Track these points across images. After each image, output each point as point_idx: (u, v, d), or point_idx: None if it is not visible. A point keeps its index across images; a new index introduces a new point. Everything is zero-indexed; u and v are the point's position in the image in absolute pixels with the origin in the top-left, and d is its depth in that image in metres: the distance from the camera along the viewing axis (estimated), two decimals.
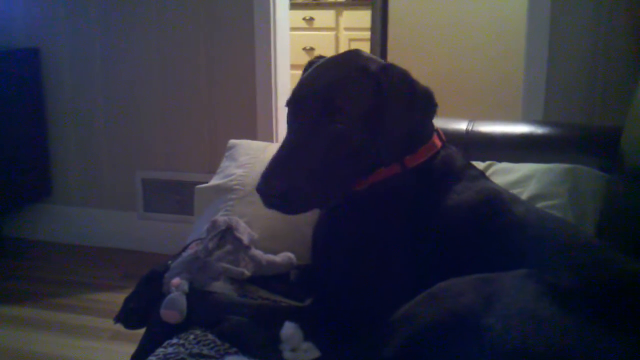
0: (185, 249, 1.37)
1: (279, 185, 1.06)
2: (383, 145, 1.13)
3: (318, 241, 1.28)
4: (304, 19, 5.18)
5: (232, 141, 1.71)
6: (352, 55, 1.22)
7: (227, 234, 1.27)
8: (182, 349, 1.07)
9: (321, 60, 1.23)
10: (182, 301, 1.15)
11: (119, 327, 1.26)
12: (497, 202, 1.16)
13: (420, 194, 1.17)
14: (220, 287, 1.22)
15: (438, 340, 0.87)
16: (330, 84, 1.13)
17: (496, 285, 0.90)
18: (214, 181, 1.61)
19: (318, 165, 1.09)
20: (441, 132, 1.26)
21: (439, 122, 1.84)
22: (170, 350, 1.07)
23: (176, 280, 1.18)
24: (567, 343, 0.82)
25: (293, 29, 3.44)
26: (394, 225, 1.16)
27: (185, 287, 1.17)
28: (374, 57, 1.23)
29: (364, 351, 0.95)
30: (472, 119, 1.75)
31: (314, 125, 1.11)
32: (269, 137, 2.78)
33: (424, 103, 1.19)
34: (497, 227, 1.11)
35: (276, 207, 1.09)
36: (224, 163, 1.67)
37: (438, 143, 1.24)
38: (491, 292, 0.89)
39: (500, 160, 1.59)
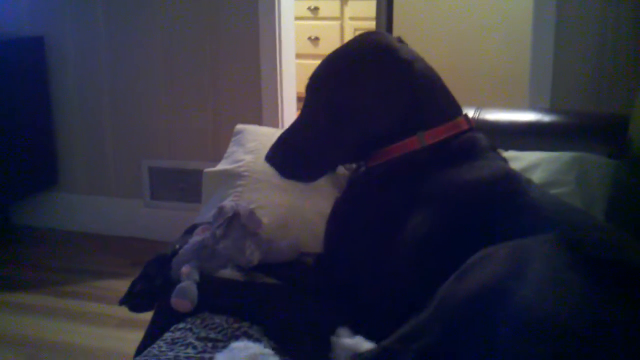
0: (189, 231, 1.36)
1: (278, 158, 1.28)
2: (371, 118, 1.21)
3: (335, 224, 1.29)
4: (308, 8, 5.16)
5: (240, 126, 1.71)
6: (352, 41, 1.33)
7: (233, 220, 1.26)
8: (189, 333, 1.08)
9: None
10: (194, 290, 1.15)
11: (126, 314, 1.26)
12: (515, 182, 1.18)
13: (439, 169, 1.19)
14: (228, 274, 1.22)
15: (475, 315, 0.87)
16: (315, 73, 1.29)
17: (527, 251, 0.90)
18: (222, 165, 1.60)
19: (311, 142, 1.26)
20: (469, 117, 1.29)
21: None
22: (178, 334, 1.08)
23: (186, 269, 1.18)
24: (596, 315, 0.81)
25: (298, 18, 3.43)
26: (412, 199, 1.17)
27: (196, 275, 1.17)
28: (375, 38, 1.31)
29: (408, 339, 0.93)
30: (479, 106, 1.75)
31: (306, 109, 1.30)
32: (274, 126, 2.78)
33: (398, 74, 1.23)
34: (515, 206, 1.11)
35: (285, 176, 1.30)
36: (232, 147, 1.66)
37: (464, 124, 1.26)
38: (522, 258, 0.88)
39: (507, 148, 1.58)
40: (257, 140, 1.63)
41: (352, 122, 1.22)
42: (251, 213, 1.28)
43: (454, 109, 1.28)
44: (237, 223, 1.26)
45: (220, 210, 1.27)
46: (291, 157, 1.27)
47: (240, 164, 1.56)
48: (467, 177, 1.18)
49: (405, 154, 1.22)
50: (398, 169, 1.21)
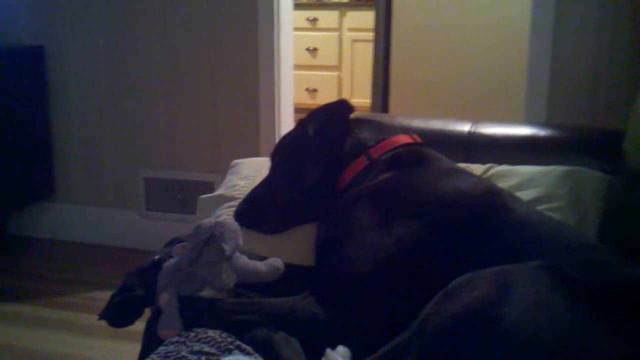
0: (170, 244, 1.35)
1: (245, 215, 1.40)
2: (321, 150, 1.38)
3: (323, 240, 1.30)
4: (307, 19, 5.19)
5: (235, 161, 1.80)
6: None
7: (210, 242, 1.22)
8: (183, 347, 1.07)
9: None
10: (177, 319, 1.15)
11: None
12: (498, 197, 1.19)
13: (399, 175, 1.28)
14: (207, 294, 1.20)
15: (458, 336, 0.88)
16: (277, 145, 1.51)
17: (511, 276, 0.90)
18: (217, 192, 1.66)
19: (279, 195, 1.40)
20: (416, 136, 1.42)
21: (441, 124, 1.85)
22: (171, 347, 1.07)
23: (164, 299, 1.17)
24: (579, 337, 0.82)
25: (296, 29, 3.44)
26: (389, 209, 1.20)
27: (175, 302, 1.16)
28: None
29: (390, 358, 0.94)
30: (475, 120, 1.75)
31: (271, 169, 1.48)
32: (271, 135, 2.79)
33: (336, 118, 1.43)
34: (500, 223, 1.12)
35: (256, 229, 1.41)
36: (227, 178, 1.72)
37: (406, 139, 1.38)
38: (506, 283, 0.89)
39: (502, 162, 1.59)
40: (251, 168, 1.69)
41: (309, 157, 1.39)
42: (229, 231, 1.24)
43: (393, 131, 1.42)
44: (213, 245, 1.22)
45: (197, 229, 1.24)
46: (259, 212, 1.41)
47: (234, 188, 1.61)
48: (445, 189, 1.21)
49: (360, 171, 1.34)
50: (360, 186, 1.30)
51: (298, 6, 4.57)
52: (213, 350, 1.06)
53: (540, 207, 1.35)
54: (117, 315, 1.21)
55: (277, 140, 2.65)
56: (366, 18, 4.83)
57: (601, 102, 2.41)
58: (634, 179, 1.36)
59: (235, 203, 1.52)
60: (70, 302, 2.55)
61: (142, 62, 2.94)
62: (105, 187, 3.10)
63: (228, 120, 2.88)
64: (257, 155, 2.43)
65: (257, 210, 1.42)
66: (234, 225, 1.28)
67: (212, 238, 1.22)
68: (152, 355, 1.08)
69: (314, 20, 5.20)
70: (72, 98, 3.07)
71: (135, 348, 1.31)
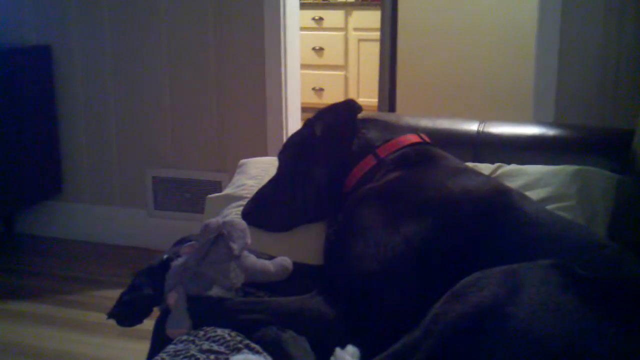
0: (180, 242, 1.36)
1: (254, 214, 1.41)
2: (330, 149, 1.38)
3: (332, 240, 1.29)
4: (313, 18, 5.19)
5: (243, 160, 1.80)
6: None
7: (218, 241, 1.23)
8: (192, 346, 1.07)
9: None
10: (186, 318, 1.15)
11: None
12: (506, 196, 1.19)
13: (406, 174, 1.28)
14: (215, 293, 1.20)
15: (466, 336, 0.88)
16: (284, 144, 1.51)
17: (520, 276, 0.90)
18: (225, 192, 1.66)
19: (286, 194, 1.41)
20: (424, 135, 1.41)
21: (449, 123, 1.85)
22: (180, 346, 1.08)
23: (172, 298, 1.17)
24: (589, 337, 0.82)
25: (302, 28, 3.45)
26: (397, 209, 1.20)
27: (184, 302, 1.17)
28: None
29: (400, 357, 0.94)
30: (483, 120, 1.75)
31: (279, 168, 1.48)
32: (278, 135, 2.79)
33: (343, 116, 1.43)
34: (510, 222, 1.12)
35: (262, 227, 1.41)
36: (235, 177, 1.73)
37: (414, 138, 1.38)
38: (516, 283, 0.89)
39: (510, 162, 1.59)
40: (259, 167, 1.70)
41: (317, 156, 1.39)
42: (238, 230, 1.24)
43: (400, 130, 1.41)
44: (221, 243, 1.22)
45: (206, 227, 1.25)
46: (267, 211, 1.41)
47: (242, 187, 1.62)
48: (453, 188, 1.20)
49: (368, 170, 1.34)
50: (368, 186, 1.29)
51: (304, 5, 4.57)
52: (222, 349, 1.07)
53: (549, 207, 1.35)
54: (126, 314, 1.22)
55: (284, 140, 2.66)
56: (372, 17, 4.83)
57: (609, 101, 2.40)
58: None
59: (243, 202, 1.52)
60: (78, 301, 2.55)
61: (148, 62, 2.94)
62: (113, 186, 3.11)
63: (236, 119, 2.88)
64: (264, 154, 2.43)
65: (264, 210, 1.42)
66: (242, 224, 1.29)
67: (220, 237, 1.23)
68: (161, 354, 1.08)
69: (320, 19, 5.20)
70: (79, 97, 3.08)
71: (144, 347, 1.31)
